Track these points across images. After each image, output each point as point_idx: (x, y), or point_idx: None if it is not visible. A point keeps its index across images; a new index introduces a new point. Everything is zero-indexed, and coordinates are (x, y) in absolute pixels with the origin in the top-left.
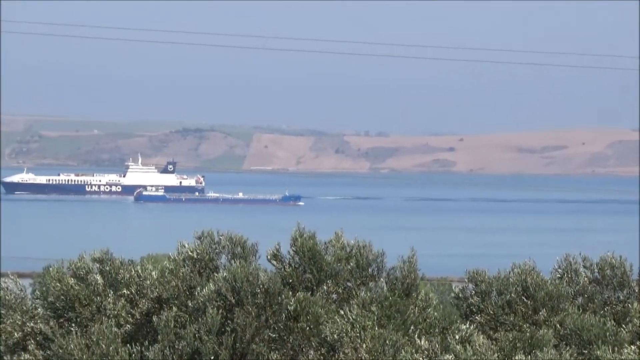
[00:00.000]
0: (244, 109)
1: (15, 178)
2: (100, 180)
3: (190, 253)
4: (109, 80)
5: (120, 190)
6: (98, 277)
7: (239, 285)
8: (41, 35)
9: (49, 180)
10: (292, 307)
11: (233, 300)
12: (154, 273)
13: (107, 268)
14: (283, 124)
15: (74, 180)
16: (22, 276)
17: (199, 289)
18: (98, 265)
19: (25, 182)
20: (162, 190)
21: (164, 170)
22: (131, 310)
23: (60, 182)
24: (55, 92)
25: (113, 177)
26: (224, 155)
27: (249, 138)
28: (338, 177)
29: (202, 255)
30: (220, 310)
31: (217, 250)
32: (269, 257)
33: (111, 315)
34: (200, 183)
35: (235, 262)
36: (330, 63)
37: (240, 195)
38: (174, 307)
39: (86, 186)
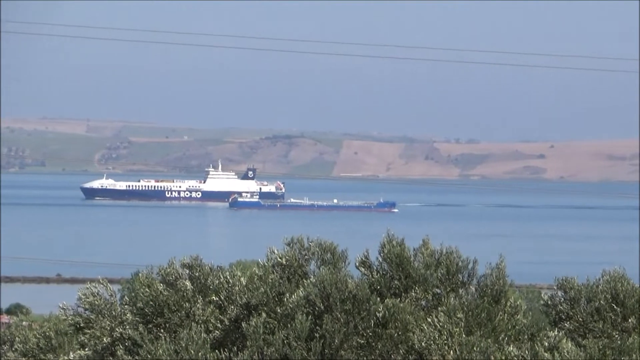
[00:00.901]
0: (334, 116)
1: (95, 184)
2: (180, 187)
3: (279, 259)
4: (199, 87)
5: (200, 196)
6: (187, 283)
7: (328, 292)
8: (130, 42)
9: (129, 186)
10: (380, 314)
11: (322, 307)
12: (242, 279)
13: (197, 274)
14: (373, 130)
15: (154, 187)
16: (111, 282)
17: (287, 295)
18: (187, 271)
19: (105, 187)
20: (257, 197)
21: (244, 177)
22: (220, 316)
23: (140, 188)
24: (145, 99)
25: (193, 183)
26: (313, 162)
27: (339, 145)
28: (427, 183)
29: (291, 262)
30: (309, 317)
31: (306, 257)
32: (357, 263)
33: (200, 321)
34: (281, 189)
35: (324, 268)
36: (422, 70)
37: (335, 201)
38: (262, 313)
39: (166, 192)
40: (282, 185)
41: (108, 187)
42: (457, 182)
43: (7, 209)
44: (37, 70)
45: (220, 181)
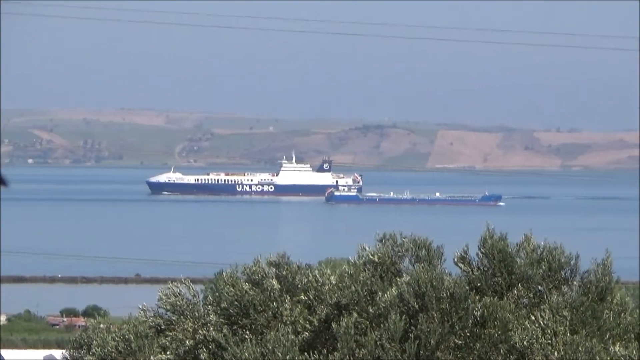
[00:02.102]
0: (428, 105)
1: (162, 177)
2: (251, 180)
3: (371, 257)
4: (285, 76)
5: (272, 190)
6: (274, 282)
7: (423, 290)
8: (210, 27)
9: (198, 179)
10: (479, 313)
11: (416, 306)
12: (332, 278)
13: (284, 272)
14: (468, 120)
15: (224, 180)
16: (193, 282)
17: (380, 294)
18: (274, 270)
19: (173, 181)
20: (355, 190)
21: (319, 169)
22: (309, 316)
23: (210, 181)
24: (227, 89)
25: (265, 176)
26: (406, 153)
27: (433, 135)
28: (528, 175)
29: (383, 259)
30: (403, 316)
31: (399, 254)
32: (455, 259)
33: (288, 322)
34: (358, 182)
35: (419, 265)
36: (521, 56)
37: (438, 195)
38: (354, 313)
39: (237, 186)
40: (359, 178)
41: (176, 181)
42: (559, 174)
43: (65, 205)
44: (115, 60)
45: (293, 174)
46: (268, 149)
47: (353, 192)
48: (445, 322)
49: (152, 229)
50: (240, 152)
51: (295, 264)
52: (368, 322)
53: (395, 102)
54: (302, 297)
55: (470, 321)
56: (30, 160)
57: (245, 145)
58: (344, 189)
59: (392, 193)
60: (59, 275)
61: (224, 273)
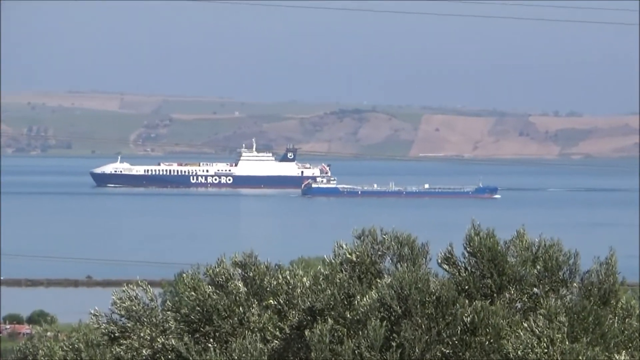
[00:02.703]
0: (411, 87)
1: (108, 168)
2: (207, 170)
3: (348, 255)
4: (251, 55)
5: (231, 181)
6: (240, 285)
7: (406, 293)
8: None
9: (148, 170)
10: (468, 318)
11: (399, 311)
12: (305, 279)
13: (251, 274)
14: (457, 103)
15: (177, 171)
16: (151, 284)
17: (359, 297)
18: (240, 271)
19: (120, 172)
20: (335, 182)
21: (283, 158)
22: (279, 323)
23: (161, 172)
24: (188, 70)
25: (222, 167)
26: (387, 140)
27: (417, 120)
28: (522, 164)
29: (362, 258)
30: (385, 323)
31: (380, 252)
32: (439, 260)
33: (256, 329)
34: (326, 173)
35: (402, 265)
36: (513, 32)
37: (426, 187)
38: (329, 319)
39: (191, 177)
40: (327, 168)
41: (123, 172)
42: (557, 162)
43: (3, 198)
44: (64, 38)
45: (254, 164)
46: (234, 136)
47: (332, 185)
48: (432, 329)
49: (99, 225)
50: (203, 139)
51: (264, 265)
52: (345, 329)
53: (375, 84)
54: (272, 301)
55: (459, 328)
56: None
57: (208, 132)
58: (321, 181)
59: (375, 185)
60: (0, 278)
61: (184, 275)
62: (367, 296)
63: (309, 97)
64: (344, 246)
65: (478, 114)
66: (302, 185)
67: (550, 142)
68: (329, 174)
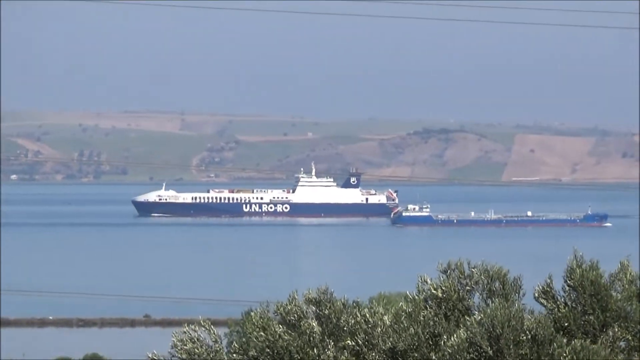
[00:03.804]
0: (504, 104)
1: (152, 196)
2: (261, 198)
3: (433, 291)
4: (324, 72)
5: (288, 210)
6: (314, 324)
7: (498, 332)
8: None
9: (195, 198)
10: (567, 359)
11: (490, 352)
12: (386, 318)
13: (326, 312)
14: (554, 120)
15: (228, 199)
16: (215, 324)
17: (445, 337)
18: (314, 309)
19: (165, 200)
20: (428, 210)
21: (346, 184)
22: None
23: (210, 200)
24: (256, 87)
25: (279, 194)
26: (477, 163)
27: (510, 140)
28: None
29: (448, 294)
30: None
31: (468, 287)
32: (536, 294)
33: None
34: (393, 200)
35: (493, 301)
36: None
37: (529, 214)
38: None
39: (244, 205)
40: (394, 195)
41: (168, 200)
42: None
43: (49, 230)
44: (118, 54)
45: (313, 190)
46: (307, 159)
47: (426, 213)
48: None
49: (145, 259)
50: (273, 163)
51: (340, 302)
52: None
53: (463, 101)
54: (349, 341)
55: None
56: (13, 177)
57: (278, 154)
58: (413, 209)
59: (472, 213)
60: (50, 317)
61: (252, 313)
62: (454, 335)
63: (389, 114)
64: (429, 281)
65: (577, 133)
66: (392, 214)
67: None
68: (396, 201)
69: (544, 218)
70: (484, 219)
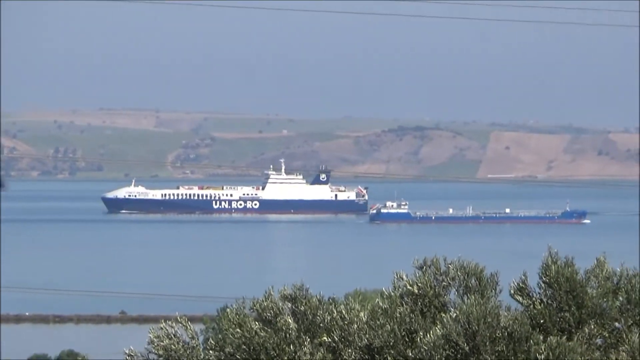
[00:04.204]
0: (479, 103)
1: (121, 192)
2: (231, 195)
3: (409, 287)
4: (301, 68)
5: (257, 206)
6: (290, 320)
7: (474, 328)
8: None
9: (165, 195)
10: (543, 356)
11: (467, 348)
12: (362, 314)
13: (302, 308)
14: (530, 118)
15: (198, 195)
16: (191, 320)
17: (421, 333)
18: (290, 305)
19: (134, 197)
20: (407, 207)
21: (315, 181)
22: None
23: (180, 197)
24: (230, 85)
25: (248, 190)
26: (452, 160)
27: (485, 138)
28: (602, 185)
29: (425, 290)
30: None
31: (444, 283)
32: (512, 291)
33: None
34: (363, 196)
35: (469, 298)
36: (591, 38)
37: (507, 211)
38: (389, 358)
39: (213, 202)
40: (364, 192)
41: (138, 197)
42: None
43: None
44: (93, 51)
45: (282, 187)
46: (282, 156)
47: (404, 209)
48: None
49: (119, 256)
50: (248, 160)
51: (316, 298)
52: None
53: (437, 99)
54: (325, 338)
55: None
56: None
57: (253, 151)
58: (391, 205)
59: (451, 210)
60: (27, 314)
61: (228, 309)
62: (430, 332)
63: (364, 112)
64: (405, 277)
65: (552, 131)
66: (369, 210)
67: (632, 162)
68: (366, 198)
69: (522, 215)
70: (462, 216)
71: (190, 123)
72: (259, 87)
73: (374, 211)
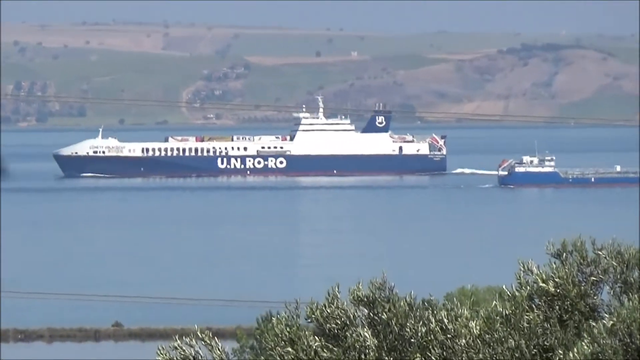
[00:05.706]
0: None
1: (83, 147)
2: (245, 149)
3: (542, 284)
4: None
5: (283, 165)
6: (367, 334)
7: (638, 343)
8: None
9: (147, 150)
10: None
11: None
12: (473, 324)
13: (385, 316)
14: None
15: (195, 150)
16: (219, 335)
17: (560, 351)
18: (366, 312)
19: (101, 154)
20: (553, 164)
21: (370, 127)
22: None
23: (169, 153)
24: None
25: (270, 142)
26: (601, 94)
27: None
28: None
29: (565, 288)
30: None
31: (593, 278)
32: None
33: None
34: (439, 149)
35: (629, 299)
36: None
37: None
38: None
39: (218, 160)
40: (441, 142)
41: (108, 154)
42: None
43: None
44: None
45: (320, 136)
46: (351, 92)
47: (549, 168)
48: None
49: (83, 241)
50: (301, 97)
51: (404, 301)
52: None
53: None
54: (418, 358)
55: None
56: None
57: (307, 85)
58: (530, 162)
59: (618, 167)
60: None
61: (274, 319)
62: (574, 349)
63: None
64: (535, 270)
65: None
66: (499, 169)
67: None
68: (443, 152)
69: None
70: (630, 177)
71: (213, 43)
72: None
73: (503, 171)
